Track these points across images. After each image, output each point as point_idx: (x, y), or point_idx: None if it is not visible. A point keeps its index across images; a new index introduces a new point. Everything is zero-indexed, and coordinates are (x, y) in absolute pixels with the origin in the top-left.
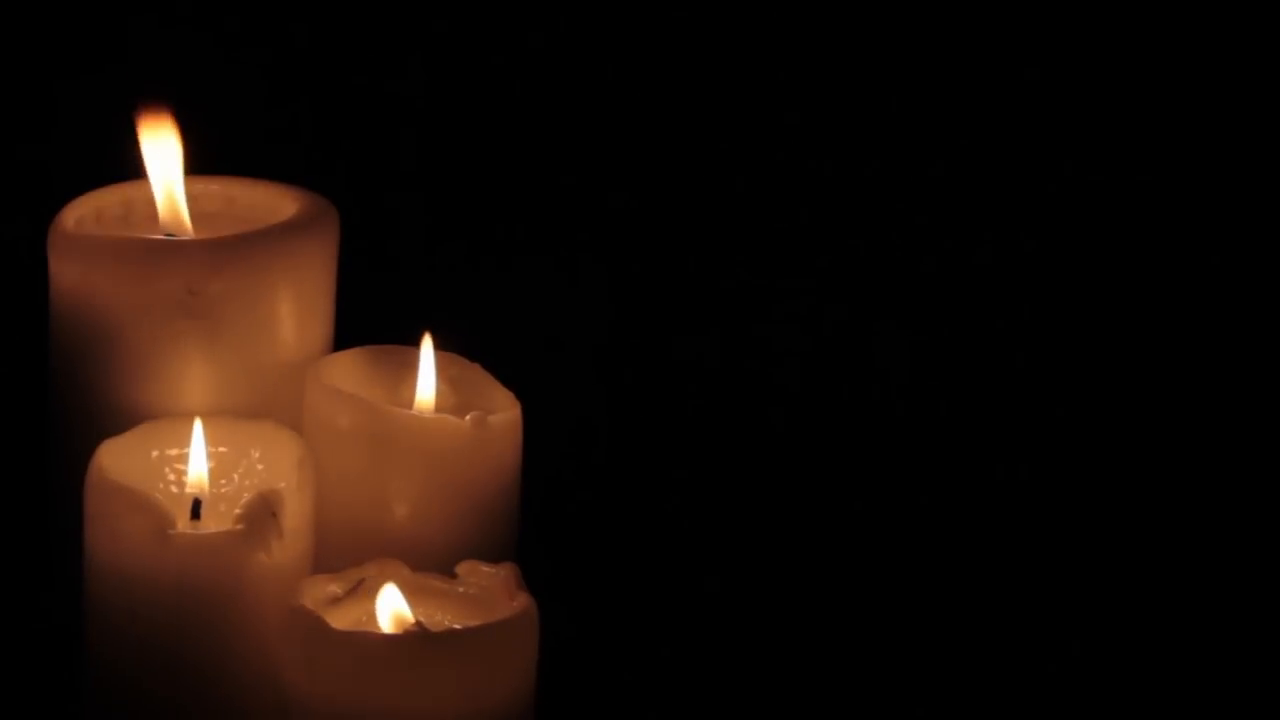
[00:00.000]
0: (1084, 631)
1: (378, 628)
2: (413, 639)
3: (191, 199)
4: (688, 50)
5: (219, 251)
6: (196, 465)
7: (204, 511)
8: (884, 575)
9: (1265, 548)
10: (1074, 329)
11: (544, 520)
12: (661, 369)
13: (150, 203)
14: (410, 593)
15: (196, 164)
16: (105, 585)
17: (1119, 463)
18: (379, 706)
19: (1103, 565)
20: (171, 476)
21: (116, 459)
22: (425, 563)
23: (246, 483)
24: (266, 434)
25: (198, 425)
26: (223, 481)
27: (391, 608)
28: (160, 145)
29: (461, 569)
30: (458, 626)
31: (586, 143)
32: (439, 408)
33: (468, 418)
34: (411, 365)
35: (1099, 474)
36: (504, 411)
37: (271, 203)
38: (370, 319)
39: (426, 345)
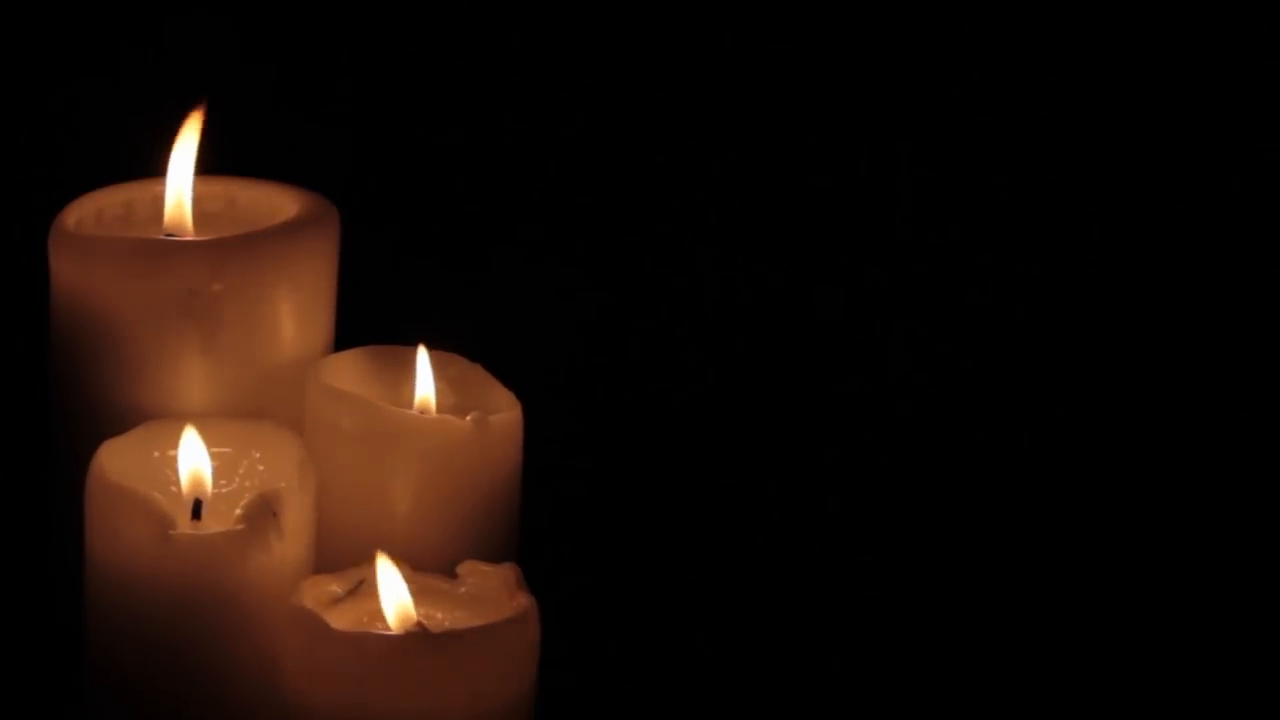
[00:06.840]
0: (1084, 632)
1: (378, 627)
2: (413, 639)
3: (193, 199)
4: (690, 50)
5: (220, 252)
6: (187, 467)
7: (204, 512)
8: (883, 576)
9: (1265, 548)
10: (1073, 330)
11: (544, 520)
12: (662, 369)
13: (150, 203)
14: (410, 592)
15: (198, 164)
16: (105, 585)
17: (1119, 464)
18: (379, 707)
19: (1102, 566)
20: (172, 477)
21: (117, 459)
22: (425, 563)
23: (247, 483)
24: (267, 434)
25: (189, 431)
26: (223, 482)
27: (395, 600)
28: (187, 144)
29: (461, 569)
30: (458, 627)
31: (587, 142)
32: (439, 408)
33: (468, 418)
34: (411, 366)
35: (1098, 475)
36: (504, 411)
37: (272, 203)
38: (370, 319)
39: (422, 353)
